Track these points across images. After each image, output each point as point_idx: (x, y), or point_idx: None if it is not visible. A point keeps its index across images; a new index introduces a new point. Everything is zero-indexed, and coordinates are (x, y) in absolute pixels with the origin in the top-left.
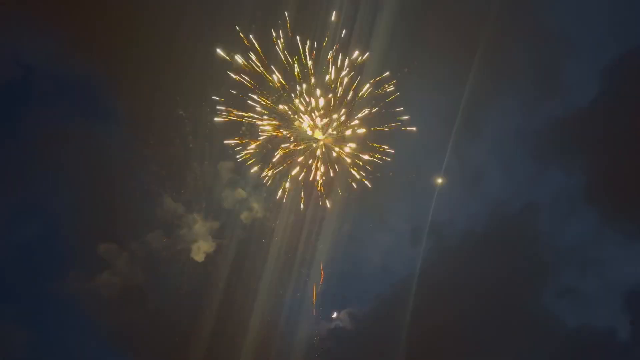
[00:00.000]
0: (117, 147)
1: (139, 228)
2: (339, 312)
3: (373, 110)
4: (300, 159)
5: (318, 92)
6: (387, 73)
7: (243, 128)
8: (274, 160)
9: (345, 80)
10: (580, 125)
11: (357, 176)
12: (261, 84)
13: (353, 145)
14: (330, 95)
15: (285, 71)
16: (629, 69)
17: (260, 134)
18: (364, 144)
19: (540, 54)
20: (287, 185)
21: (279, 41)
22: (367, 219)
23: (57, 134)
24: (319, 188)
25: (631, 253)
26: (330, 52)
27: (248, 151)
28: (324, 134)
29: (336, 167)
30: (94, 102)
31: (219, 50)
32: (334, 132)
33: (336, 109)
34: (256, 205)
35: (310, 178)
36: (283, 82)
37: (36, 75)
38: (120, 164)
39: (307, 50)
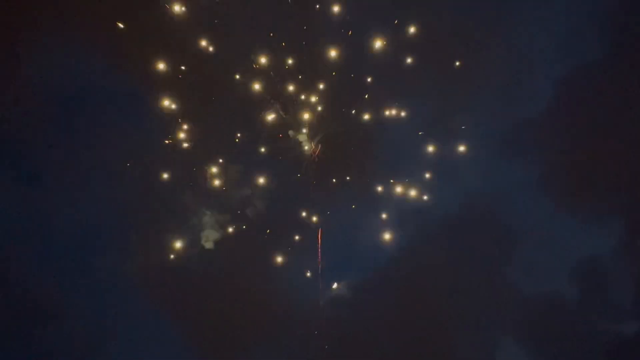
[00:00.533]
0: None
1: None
2: (338, 283)
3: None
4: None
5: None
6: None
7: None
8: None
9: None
10: (538, 128)
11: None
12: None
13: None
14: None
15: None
16: (578, 82)
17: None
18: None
19: (506, 70)
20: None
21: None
22: (360, 204)
23: (110, 138)
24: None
25: (578, 232)
26: None
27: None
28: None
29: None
30: (140, 109)
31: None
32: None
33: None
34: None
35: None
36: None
37: (91, 89)
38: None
39: None
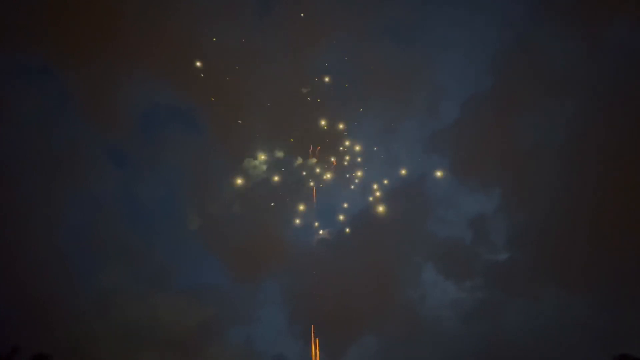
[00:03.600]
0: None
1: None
2: (324, 230)
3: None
4: None
5: None
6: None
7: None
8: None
9: None
10: (449, 135)
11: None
12: None
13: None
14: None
15: None
16: (476, 103)
17: None
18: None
19: (427, 95)
20: None
21: None
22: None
23: (174, 146)
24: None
25: (472, 198)
26: None
27: None
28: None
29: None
30: (194, 123)
31: None
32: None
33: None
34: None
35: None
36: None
37: (160, 109)
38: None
39: None
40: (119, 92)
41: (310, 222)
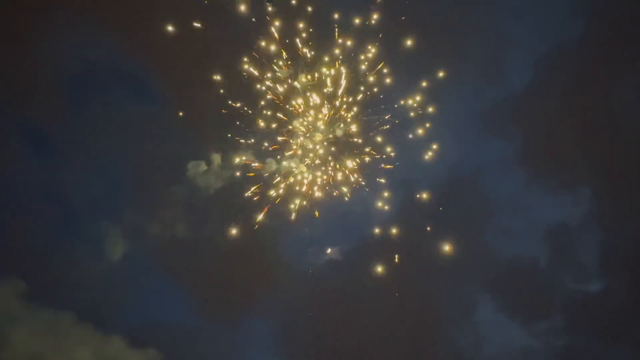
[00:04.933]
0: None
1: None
2: (332, 249)
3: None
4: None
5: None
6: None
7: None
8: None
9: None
10: (516, 106)
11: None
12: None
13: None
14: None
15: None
16: (556, 61)
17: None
18: None
19: (485, 48)
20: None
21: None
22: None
23: (117, 117)
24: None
25: (549, 201)
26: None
27: None
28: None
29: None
30: (147, 91)
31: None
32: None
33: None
34: None
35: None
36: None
37: (98, 68)
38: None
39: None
40: (35, 46)
41: (314, 235)
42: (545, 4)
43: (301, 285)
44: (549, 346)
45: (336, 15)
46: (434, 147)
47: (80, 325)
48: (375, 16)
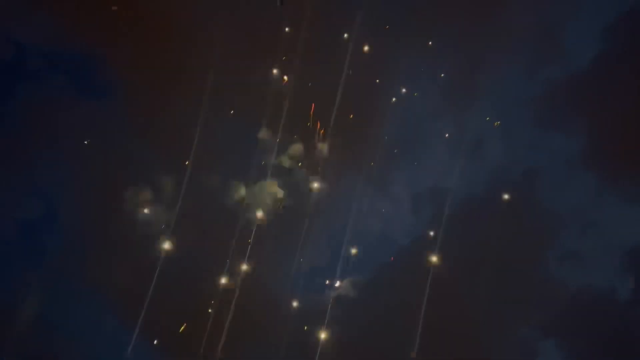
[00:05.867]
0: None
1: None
2: (341, 281)
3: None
4: None
5: None
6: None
7: None
8: None
9: None
10: (580, 88)
11: None
12: None
13: None
14: None
15: None
16: (629, 30)
17: None
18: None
19: (538, 15)
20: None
21: None
22: (367, 187)
23: (52, 110)
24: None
25: (630, 215)
26: None
27: None
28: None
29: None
30: (90, 79)
31: None
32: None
33: None
34: None
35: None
36: None
37: (29, 54)
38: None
39: None
40: None
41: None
42: None
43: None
44: None
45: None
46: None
47: None
48: None
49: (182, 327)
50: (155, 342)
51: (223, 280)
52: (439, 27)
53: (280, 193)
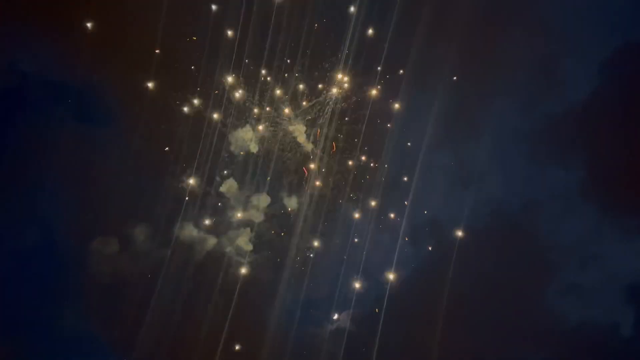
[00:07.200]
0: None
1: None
2: (339, 314)
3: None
4: None
5: None
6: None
7: None
8: None
9: None
10: (577, 122)
11: None
12: None
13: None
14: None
15: None
16: (626, 64)
17: None
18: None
19: (536, 51)
20: None
21: None
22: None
23: (53, 138)
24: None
25: (632, 248)
26: None
27: None
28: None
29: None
30: (90, 106)
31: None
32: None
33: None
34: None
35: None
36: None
37: (32, 82)
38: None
39: None
40: None
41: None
42: None
43: None
44: None
45: None
46: None
47: None
48: None
49: None
50: None
51: None
52: (438, 61)
53: None
